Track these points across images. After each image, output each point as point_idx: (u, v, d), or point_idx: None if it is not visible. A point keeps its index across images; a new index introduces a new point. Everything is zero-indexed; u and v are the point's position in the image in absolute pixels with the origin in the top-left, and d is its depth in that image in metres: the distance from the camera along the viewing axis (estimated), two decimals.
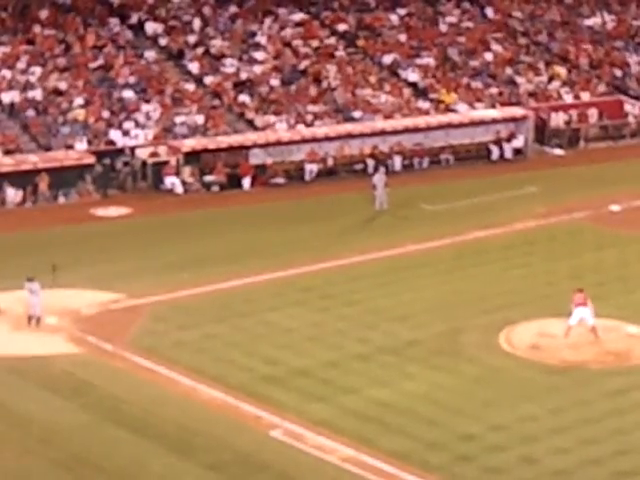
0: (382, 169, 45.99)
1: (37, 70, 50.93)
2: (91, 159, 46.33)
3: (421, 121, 51.67)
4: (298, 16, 57.68)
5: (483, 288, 36.26)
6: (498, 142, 51.68)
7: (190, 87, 52.35)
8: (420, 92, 55.02)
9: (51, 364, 31.04)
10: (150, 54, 53.65)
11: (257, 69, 53.93)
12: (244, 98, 52.32)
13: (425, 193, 45.13)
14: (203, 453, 26.51)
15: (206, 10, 56.83)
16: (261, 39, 55.73)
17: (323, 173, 48.89)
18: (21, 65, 51.17)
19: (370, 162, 49.40)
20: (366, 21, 58.50)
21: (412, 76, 55.67)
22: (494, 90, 55.70)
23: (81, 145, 47.73)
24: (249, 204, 45.46)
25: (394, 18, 59.14)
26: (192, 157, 47.40)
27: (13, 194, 44.81)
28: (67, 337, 32.66)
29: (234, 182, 47.48)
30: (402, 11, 59.68)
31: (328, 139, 49.53)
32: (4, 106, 49.46)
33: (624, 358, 31.65)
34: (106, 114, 49.62)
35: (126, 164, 47.25)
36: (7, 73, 50.50)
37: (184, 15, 56.21)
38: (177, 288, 35.77)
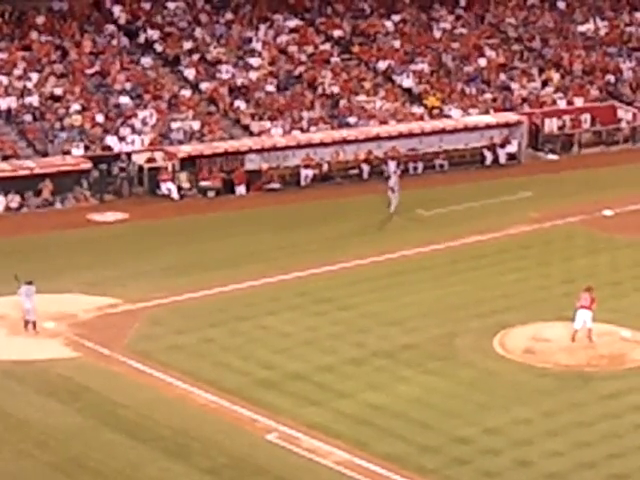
0: (398, 172, 46.30)
1: (34, 76, 51.09)
2: (88, 164, 46.50)
3: (415, 126, 51.90)
4: (293, 22, 57.89)
5: (477, 292, 36.43)
6: (492, 147, 51.89)
7: (186, 93, 52.54)
8: (414, 98, 55.27)
9: (48, 368, 31.13)
10: (146, 60, 53.84)
11: (253, 75, 54.14)
12: (240, 104, 52.54)
13: (420, 198, 45.31)
14: (199, 457, 26.65)
15: (202, 17, 57.03)
16: (256, 45, 55.94)
17: (318, 178, 49.09)
18: (18, 71, 51.32)
19: (365, 167, 49.67)
20: (361, 27, 58.73)
21: (406, 82, 55.92)
22: (488, 96, 55.95)
23: (78, 151, 47.88)
24: (245, 209, 45.62)
25: (389, 24, 59.38)
26: (188, 163, 47.59)
27: (7, 200, 45.05)
28: (64, 341, 32.78)
29: (230, 187, 47.68)
30: (396, 17, 59.91)
31: (323, 144, 49.73)
32: (1, 112, 49.61)
33: (618, 362, 31.82)
34: (102, 120, 49.81)
35: (122, 170, 47.41)
36: (4, 79, 50.66)
37: (180, 22, 56.41)
38: (173, 293, 35.93)
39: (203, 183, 47.53)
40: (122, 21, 55.44)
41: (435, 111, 54.18)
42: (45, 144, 48.33)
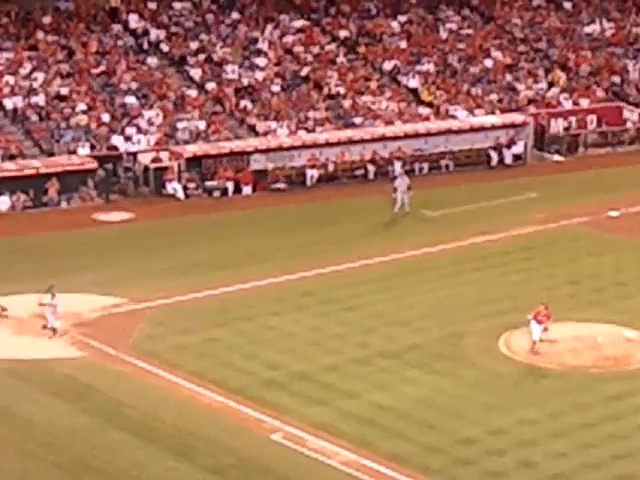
0: (403, 172, 46.34)
1: (40, 76, 51.16)
2: (93, 164, 46.56)
3: (421, 127, 51.91)
4: (299, 23, 57.91)
5: (482, 293, 36.43)
6: (498, 148, 51.88)
7: (192, 93, 52.59)
8: (420, 98, 55.25)
9: (53, 368, 31.19)
10: (152, 60, 53.90)
11: (258, 75, 54.18)
12: (245, 104, 52.58)
13: (425, 199, 45.29)
14: (204, 457, 26.67)
15: (208, 17, 57.09)
16: (262, 45, 55.98)
17: (324, 178, 49.11)
18: (24, 71, 51.39)
19: (371, 168, 49.70)
20: (367, 28, 58.74)
21: (412, 82, 55.93)
22: (494, 96, 55.93)
23: (83, 150, 47.94)
24: (250, 209, 45.65)
25: (395, 25, 59.38)
26: (194, 162, 47.64)
27: (13, 199, 45.13)
28: (69, 341, 32.82)
29: (235, 187, 47.71)
30: (403, 18, 59.91)
31: (329, 145, 49.75)
32: (7, 111, 49.69)
33: (623, 363, 31.82)
34: (108, 119, 49.87)
35: (128, 169, 47.46)
36: (10, 79, 50.74)
37: (186, 22, 56.47)
38: (178, 293, 35.95)
39: (209, 183, 47.59)
40: (133, 24, 55.42)
41: (437, 108, 54.14)
42: (51, 144, 48.40)
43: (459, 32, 59.86)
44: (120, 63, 52.86)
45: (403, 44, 58.14)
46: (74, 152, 47.76)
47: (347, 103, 53.72)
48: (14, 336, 33.20)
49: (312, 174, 48.99)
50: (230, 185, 47.57)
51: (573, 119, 55.20)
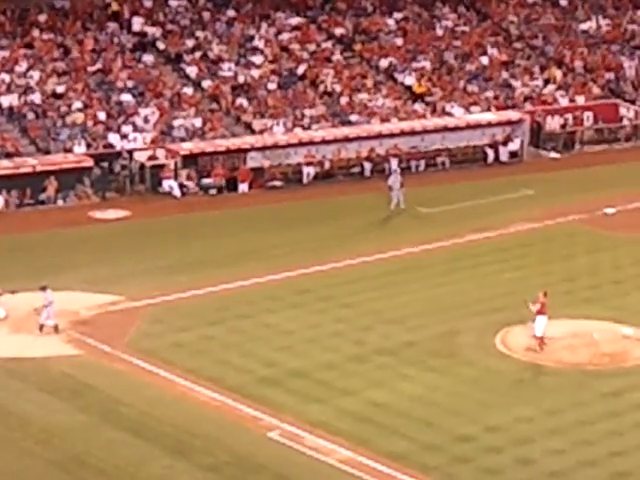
0: (398, 170, 46.35)
1: (36, 74, 51.11)
2: (90, 162, 46.53)
3: (417, 124, 51.93)
4: (295, 20, 57.92)
5: (479, 290, 36.44)
6: (494, 145, 51.91)
7: (188, 91, 52.57)
8: (416, 95, 55.24)
9: (50, 366, 31.17)
10: (148, 58, 53.86)
11: (254, 73, 54.16)
12: (242, 102, 52.56)
13: (421, 196, 45.33)
14: (201, 454, 26.66)
15: (204, 14, 57.05)
16: (258, 43, 55.97)
17: (320, 176, 49.11)
18: (20, 69, 51.34)
19: (367, 165, 49.70)
20: (363, 25, 58.74)
21: (408, 80, 55.94)
22: (490, 94, 55.96)
23: (80, 148, 47.92)
24: (246, 207, 45.66)
25: (391, 22, 59.40)
26: (190, 160, 47.62)
27: (9, 197, 45.08)
28: (65, 339, 32.79)
29: (232, 185, 47.73)
30: (398, 15, 59.92)
31: (325, 142, 49.75)
32: (3, 110, 49.63)
33: (619, 360, 31.84)
34: (104, 117, 49.83)
35: (124, 167, 47.43)
36: (6, 77, 50.68)
37: (182, 19, 56.44)
38: (175, 290, 35.94)
39: (205, 180, 47.57)
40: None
41: (433, 106, 54.18)
42: (47, 142, 48.35)
43: (455, 29, 59.89)
44: (116, 61, 52.81)
45: (399, 41, 58.16)
46: (70, 150, 47.73)
47: (343, 100, 53.75)
48: (10, 334, 33.17)
49: (308, 172, 48.99)
50: (226, 183, 47.58)
51: (569, 116, 55.24)
